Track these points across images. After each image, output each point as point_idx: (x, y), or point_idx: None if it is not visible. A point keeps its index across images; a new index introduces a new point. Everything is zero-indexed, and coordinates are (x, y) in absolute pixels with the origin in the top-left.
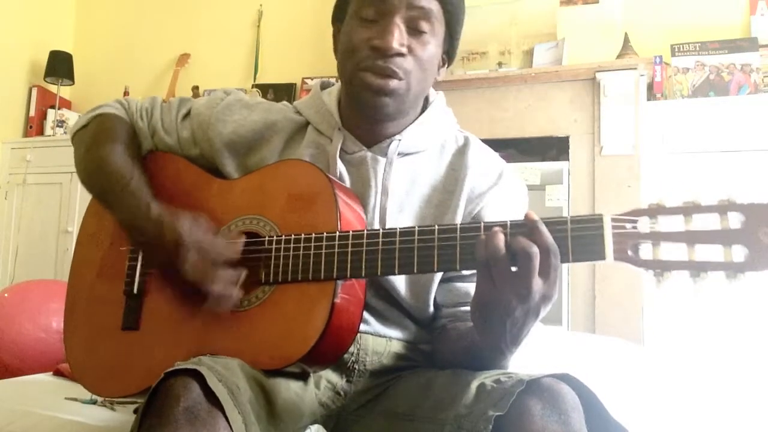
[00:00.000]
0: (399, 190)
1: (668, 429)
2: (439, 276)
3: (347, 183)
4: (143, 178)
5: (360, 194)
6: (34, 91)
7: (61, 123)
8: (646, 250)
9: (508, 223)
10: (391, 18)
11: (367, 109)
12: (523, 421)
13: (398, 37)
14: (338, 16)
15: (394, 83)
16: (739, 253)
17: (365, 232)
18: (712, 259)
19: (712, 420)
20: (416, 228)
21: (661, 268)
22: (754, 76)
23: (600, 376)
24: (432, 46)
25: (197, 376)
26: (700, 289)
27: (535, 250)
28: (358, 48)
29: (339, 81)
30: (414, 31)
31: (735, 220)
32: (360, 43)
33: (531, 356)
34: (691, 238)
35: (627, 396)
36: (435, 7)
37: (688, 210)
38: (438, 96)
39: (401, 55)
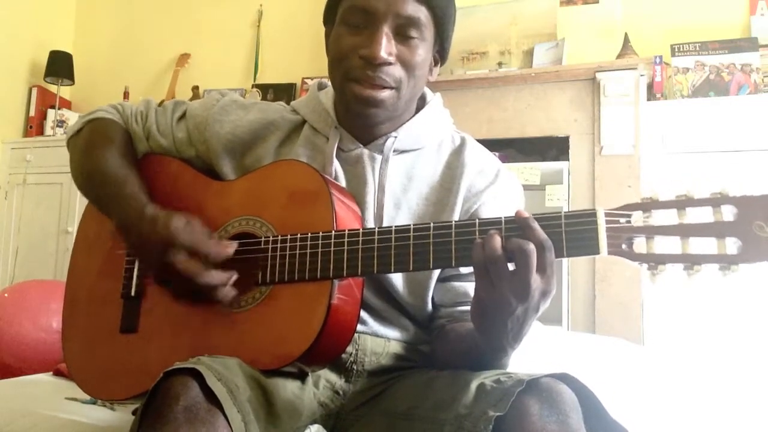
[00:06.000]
0: (395, 186)
1: (668, 429)
2: (436, 273)
3: (343, 180)
4: (139, 182)
5: (356, 191)
6: (34, 91)
7: (61, 123)
8: (640, 244)
9: (503, 219)
10: (379, 27)
11: (357, 118)
12: (522, 421)
13: (386, 47)
14: (329, 18)
15: (383, 93)
16: (732, 245)
17: (360, 230)
18: (706, 251)
19: (713, 419)
20: (411, 226)
21: (655, 261)
22: (754, 76)
23: (600, 376)
24: (421, 50)
25: (196, 375)
26: (694, 282)
27: (531, 247)
28: (345, 55)
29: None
30: (402, 38)
31: (728, 212)
32: (347, 51)
33: (530, 356)
34: (685, 231)
35: (627, 396)
36: (423, 14)
37: (682, 203)
38: (435, 96)
39: (389, 64)
